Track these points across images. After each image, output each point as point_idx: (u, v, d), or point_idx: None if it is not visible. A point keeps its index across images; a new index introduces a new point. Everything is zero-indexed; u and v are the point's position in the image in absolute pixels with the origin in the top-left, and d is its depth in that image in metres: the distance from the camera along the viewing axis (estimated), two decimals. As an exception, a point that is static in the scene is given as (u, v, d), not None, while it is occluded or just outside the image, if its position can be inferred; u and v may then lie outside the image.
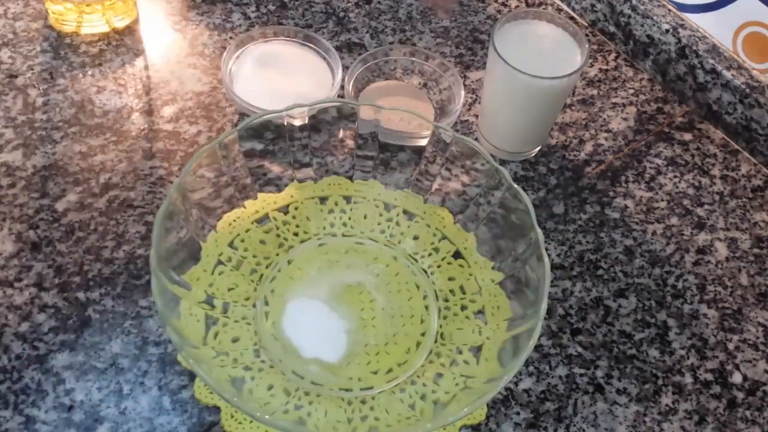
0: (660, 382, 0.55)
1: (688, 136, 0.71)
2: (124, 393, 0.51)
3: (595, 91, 0.73)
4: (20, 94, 0.65)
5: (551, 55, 0.60)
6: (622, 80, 0.74)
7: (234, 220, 0.58)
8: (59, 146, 0.63)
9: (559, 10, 0.79)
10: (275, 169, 0.62)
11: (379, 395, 0.51)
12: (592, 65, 0.75)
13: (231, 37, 0.72)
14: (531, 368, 0.55)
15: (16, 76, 0.67)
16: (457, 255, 0.59)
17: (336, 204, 0.61)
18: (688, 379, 0.56)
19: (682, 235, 0.64)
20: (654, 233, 0.63)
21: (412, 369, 0.53)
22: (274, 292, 0.56)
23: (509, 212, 0.55)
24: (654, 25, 0.72)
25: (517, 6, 0.79)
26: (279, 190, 0.61)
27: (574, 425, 0.53)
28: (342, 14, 0.75)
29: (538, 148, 0.67)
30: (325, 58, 0.67)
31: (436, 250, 0.59)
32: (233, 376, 0.50)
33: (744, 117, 0.68)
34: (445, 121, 0.65)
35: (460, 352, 0.54)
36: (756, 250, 0.63)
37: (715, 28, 0.70)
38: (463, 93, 0.66)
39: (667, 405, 0.54)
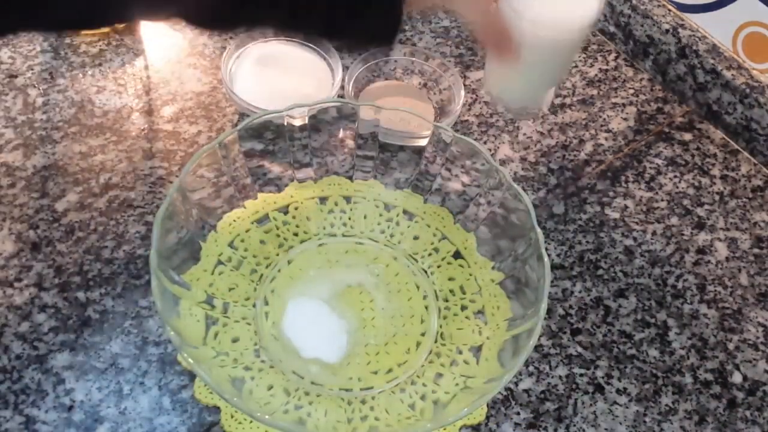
0: (660, 382, 0.55)
1: (688, 136, 0.71)
2: (124, 393, 0.51)
3: (595, 91, 0.73)
4: (20, 94, 0.65)
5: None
6: (622, 80, 0.74)
7: (234, 220, 0.58)
8: (59, 146, 0.62)
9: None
10: (275, 169, 0.62)
11: (379, 395, 0.51)
12: (592, 65, 0.75)
13: (231, 37, 0.72)
14: (531, 368, 0.55)
15: (16, 76, 0.67)
16: (457, 255, 0.59)
17: (336, 204, 0.61)
18: (688, 379, 0.56)
19: (682, 235, 0.64)
20: (654, 233, 0.63)
21: (412, 369, 0.53)
22: (274, 292, 0.56)
23: (509, 212, 0.55)
24: (654, 25, 0.72)
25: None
26: (279, 190, 0.61)
27: (574, 425, 0.53)
28: (342, 14, 0.75)
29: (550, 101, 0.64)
30: (325, 58, 0.67)
31: (436, 250, 0.59)
32: (233, 376, 0.50)
33: (744, 117, 0.68)
34: (445, 121, 0.65)
35: (460, 352, 0.53)
36: (756, 250, 0.63)
37: (715, 28, 0.70)
38: (463, 93, 0.66)
39: (667, 405, 0.54)
